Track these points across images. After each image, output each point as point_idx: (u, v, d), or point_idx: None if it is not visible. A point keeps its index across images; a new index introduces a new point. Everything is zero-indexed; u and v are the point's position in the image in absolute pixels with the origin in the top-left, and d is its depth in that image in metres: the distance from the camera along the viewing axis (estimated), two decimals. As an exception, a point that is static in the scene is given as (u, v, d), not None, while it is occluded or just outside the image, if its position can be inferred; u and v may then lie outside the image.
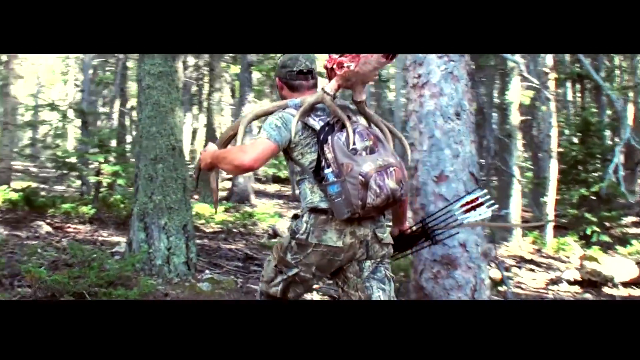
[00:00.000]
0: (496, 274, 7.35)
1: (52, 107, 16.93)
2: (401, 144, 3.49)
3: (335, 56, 3.08)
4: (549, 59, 12.74)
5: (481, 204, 3.36)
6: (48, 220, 10.57)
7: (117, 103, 20.61)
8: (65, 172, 14.05)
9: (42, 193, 13.24)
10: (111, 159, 12.95)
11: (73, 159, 13.80)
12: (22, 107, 24.24)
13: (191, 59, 24.14)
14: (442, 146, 4.31)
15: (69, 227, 10.44)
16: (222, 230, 11.33)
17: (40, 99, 28.73)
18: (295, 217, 3.27)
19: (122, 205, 11.37)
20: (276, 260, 3.29)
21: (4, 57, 16.37)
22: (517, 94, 12.99)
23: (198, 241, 9.76)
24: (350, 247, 3.09)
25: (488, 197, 3.41)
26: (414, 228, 3.54)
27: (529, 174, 17.49)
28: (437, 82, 4.39)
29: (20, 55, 17.41)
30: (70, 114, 19.98)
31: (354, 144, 2.99)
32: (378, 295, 3.17)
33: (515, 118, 12.95)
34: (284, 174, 23.21)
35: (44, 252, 7.00)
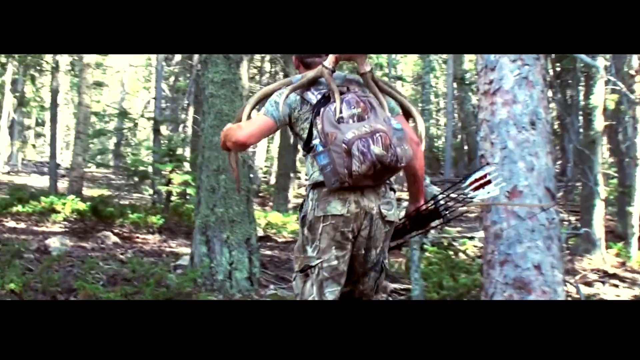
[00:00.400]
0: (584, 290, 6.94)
1: (124, 115, 17.12)
2: (414, 124, 3.48)
3: None
4: (634, 61, 12.15)
5: (489, 181, 3.26)
6: (116, 230, 10.63)
7: (190, 111, 20.71)
8: (136, 180, 14.17)
9: (114, 201, 13.34)
10: (185, 167, 12.96)
11: (145, 168, 13.88)
12: (96, 115, 24.83)
13: (267, 66, 24.20)
14: (516, 158, 4.02)
15: (137, 237, 10.48)
16: (294, 240, 11.17)
17: (110, 107, 29.25)
18: (301, 206, 3.32)
19: (193, 215, 11.36)
20: (300, 265, 3.28)
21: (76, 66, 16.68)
22: (602, 97, 12.43)
23: (268, 252, 9.66)
24: (357, 216, 3.11)
25: (496, 174, 3.37)
26: (427, 206, 3.43)
27: (614, 181, 16.79)
28: (510, 88, 4.11)
29: (95, 62, 17.74)
30: (144, 122, 20.23)
31: (340, 112, 3.02)
32: (370, 285, 3.32)
33: (599, 123, 12.39)
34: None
35: (104, 266, 6.95)
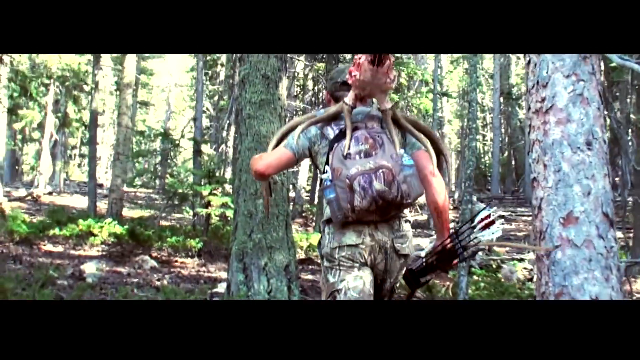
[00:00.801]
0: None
1: (165, 135, 17.14)
2: (444, 159, 3.73)
3: (352, 67, 3.27)
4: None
5: (493, 222, 3.35)
6: (154, 254, 10.54)
7: (232, 130, 20.71)
8: (177, 202, 14.11)
9: (154, 223, 13.28)
10: (226, 188, 12.85)
11: (184, 190, 13.82)
12: (141, 135, 24.98)
13: (311, 84, 24.04)
14: (571, 182, 3.77)
15: (175, 261, 10.38)
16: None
17: (152, 127, 29.49)
18: (319, 242, 3.49)
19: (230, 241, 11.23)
20: (327, 294, 3.41)
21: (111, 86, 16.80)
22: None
23: (309, 277, 9.46)
24: (372, 249, 3.30)
25: (498, 214, 3.43)
26: (448, 243, 3.43)
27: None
28: (564, 106, 3.87)
29: (141, 82, 17.81)
30: (185, 142, 20.26)
31: (349, 148, 3.20)
32: None
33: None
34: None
35: (139, 293, 6.81)
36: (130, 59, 17.27)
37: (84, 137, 36.46)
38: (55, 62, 23.21)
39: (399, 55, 20.89)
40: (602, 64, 3.63)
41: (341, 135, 3.33)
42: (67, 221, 12.08)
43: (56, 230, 11.35)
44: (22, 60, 23.24)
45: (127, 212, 16.93)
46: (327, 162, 3.30)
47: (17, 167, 37.10)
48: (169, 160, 21.61)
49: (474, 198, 23.36)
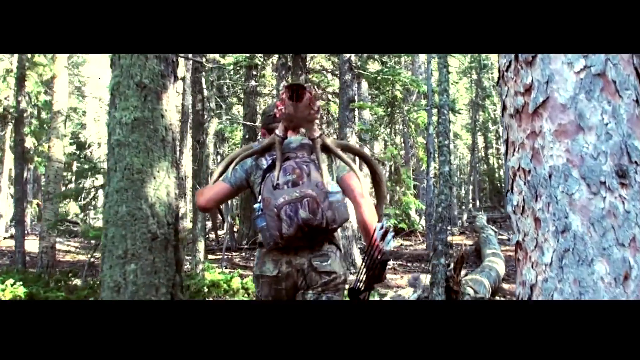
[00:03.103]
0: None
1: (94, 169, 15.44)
2: (378, 178, 3.94)
3: (278, 102, 3.57)
4: None
5: (387, 231, 3.40)
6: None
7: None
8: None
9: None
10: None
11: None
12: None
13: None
14: (590, 255, 2.08)
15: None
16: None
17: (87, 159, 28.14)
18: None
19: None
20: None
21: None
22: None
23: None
24: (289, 275, 3.53)
25: (387, 224, 3.49)
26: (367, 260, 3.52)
27: None
28: (570, 99, 2.15)
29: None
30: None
31: (277, 179, 3.46)
32: None
33: None
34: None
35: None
36: (62, 82, 15.42)
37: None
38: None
39: (394, 63, 20.17)
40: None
41: (273, 166, 3.55)
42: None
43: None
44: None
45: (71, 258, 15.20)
46: (259, 192, 3.51)
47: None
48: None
49: (484, 219, 21.56)
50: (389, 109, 20.75)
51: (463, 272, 9.26)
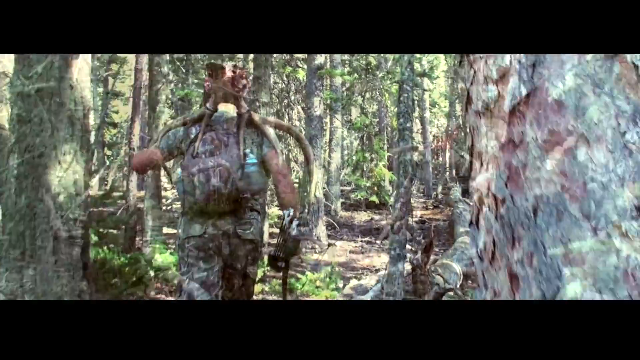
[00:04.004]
0: None
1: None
2: (303, 153, 4.32)
3: (206, 77, 4.04)
4: None
5: (291, 220, 3.74)
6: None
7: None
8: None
9: None
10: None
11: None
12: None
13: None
14: None
15: None
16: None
17: None
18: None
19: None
20: (177, 283, 3.95)
21: None
22: None
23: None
24: (215, 237, 3.83)
25: (287, 212, 3.82)
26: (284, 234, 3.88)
27: None
28: (566, 93, 1.43)
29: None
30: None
31: (197, 148, 3.79)
32: (241, 293, 4.05)
33: None
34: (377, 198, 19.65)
35: None
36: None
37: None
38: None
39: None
40: None
41: (196, 137, 3.88)
42: None
43: None
44: None
45: None
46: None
47: None
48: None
49: (458, 192, 21.07)
50: (362, 76, 20.23)
51: (433, 256, 8.69)
